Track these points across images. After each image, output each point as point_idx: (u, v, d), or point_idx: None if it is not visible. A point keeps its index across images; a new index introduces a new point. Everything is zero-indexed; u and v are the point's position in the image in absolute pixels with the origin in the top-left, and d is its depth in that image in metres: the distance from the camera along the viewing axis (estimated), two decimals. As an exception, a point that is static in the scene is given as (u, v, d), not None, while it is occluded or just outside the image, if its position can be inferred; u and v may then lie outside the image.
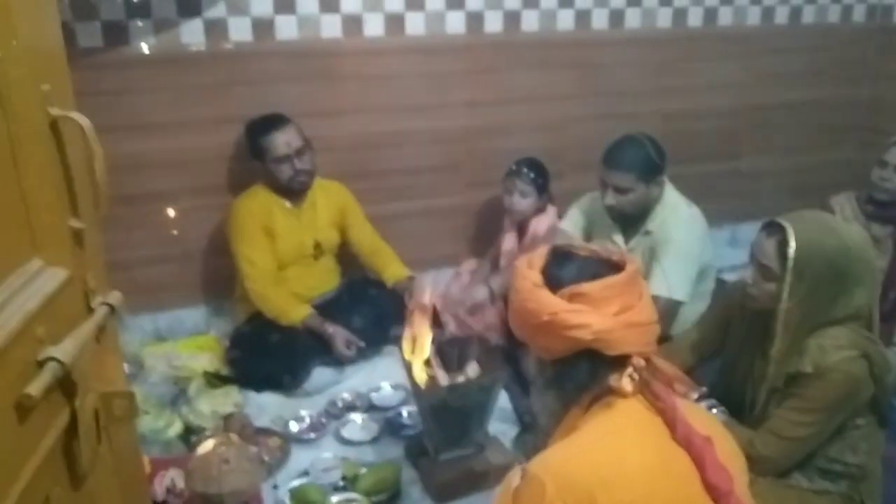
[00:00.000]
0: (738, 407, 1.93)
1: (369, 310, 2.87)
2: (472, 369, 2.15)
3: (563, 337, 1.17)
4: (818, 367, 1.67)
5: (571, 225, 2.81)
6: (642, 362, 1.21)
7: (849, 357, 1.66)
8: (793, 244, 1.67)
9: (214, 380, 2.61)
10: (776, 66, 3.75)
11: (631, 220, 2.60)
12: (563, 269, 1.24)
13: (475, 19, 3.11)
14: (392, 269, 2.96)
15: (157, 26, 2.69)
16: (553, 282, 1.22)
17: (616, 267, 1.24)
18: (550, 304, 1.18)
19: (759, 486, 1.74)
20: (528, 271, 1.25)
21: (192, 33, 2.74)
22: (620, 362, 1.20)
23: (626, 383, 1.19)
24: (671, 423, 1.17)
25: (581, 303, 1.18)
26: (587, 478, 1.09)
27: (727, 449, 1.23)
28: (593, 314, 1.16)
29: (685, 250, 2.46)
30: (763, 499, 1.71)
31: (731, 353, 2.00)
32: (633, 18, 3.38)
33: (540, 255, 1.29)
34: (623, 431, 1.17)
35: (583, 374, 1.21)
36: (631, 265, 1.23)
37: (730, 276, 3.34)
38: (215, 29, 2.76)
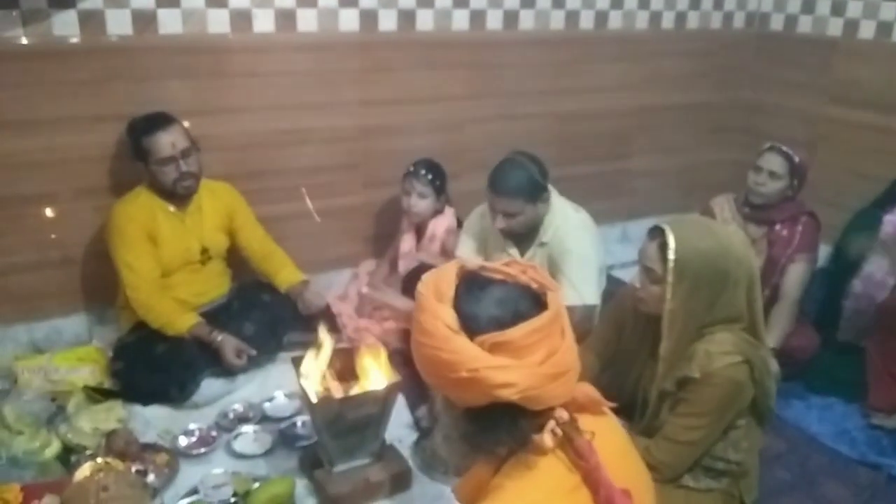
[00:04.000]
0: (629, 409, 1.97)
1: (262, 315, 2.77)
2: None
3: (484, 394, 1.06)
4: (704, 373, 1.73)
5: (465, 253, 2.77)
6: (565, 415, 1.12)
7: (732, 363, 1.72)
8: (672, 245, 1.73)
9: (96, 394, 2.47)
10: (663, 69, 3.89)
11: (524, 235, 2.62)
12: (478, 304, 1.11)
13: (369, 17, 3.06)
14: (285, 273, 2.87)
15: (26, 17, 2.50)
16: (469, 324, 1.09)
17: (535, 296, 1.14)
18: (470, 357, 1.05)
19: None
20: (439, 307, 1.10)
21: (65, 25, 2.57)
22: (543, 414, 1.11)
23: (548, 439, 1.10)
24: (594, 484, 1.10)
25: (504, 353, 1.06)
26: None
27: (641, 486, 1.21)
28: (519, 370, 1.05)
29: (584, 256, 2.52)
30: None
31: (625, 356, 2.05)
32: (526, 20, 3.41)
33: (448, 280, 1.14)
34: (549, 502, 1.10)
35: (501, 429, 1.10)
36: (554, 295, 1.13)
37: (621, 273, 3.45)
38: (91, 21, 2.59)
